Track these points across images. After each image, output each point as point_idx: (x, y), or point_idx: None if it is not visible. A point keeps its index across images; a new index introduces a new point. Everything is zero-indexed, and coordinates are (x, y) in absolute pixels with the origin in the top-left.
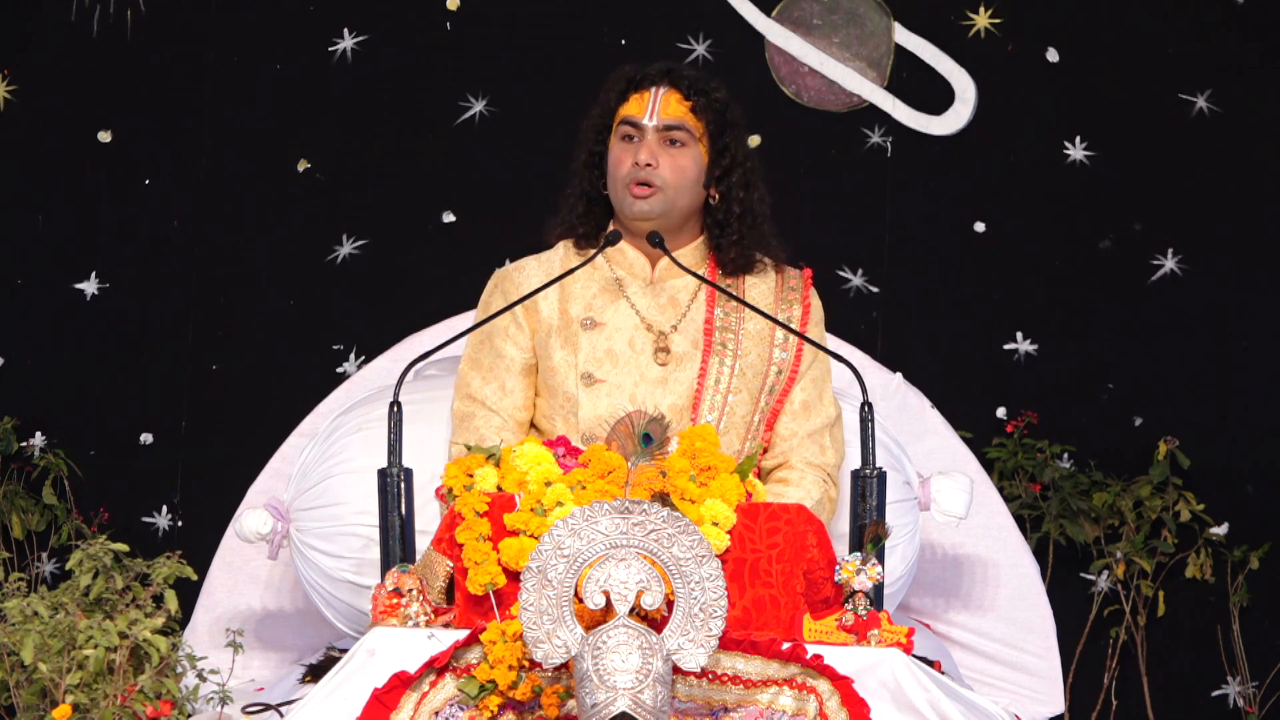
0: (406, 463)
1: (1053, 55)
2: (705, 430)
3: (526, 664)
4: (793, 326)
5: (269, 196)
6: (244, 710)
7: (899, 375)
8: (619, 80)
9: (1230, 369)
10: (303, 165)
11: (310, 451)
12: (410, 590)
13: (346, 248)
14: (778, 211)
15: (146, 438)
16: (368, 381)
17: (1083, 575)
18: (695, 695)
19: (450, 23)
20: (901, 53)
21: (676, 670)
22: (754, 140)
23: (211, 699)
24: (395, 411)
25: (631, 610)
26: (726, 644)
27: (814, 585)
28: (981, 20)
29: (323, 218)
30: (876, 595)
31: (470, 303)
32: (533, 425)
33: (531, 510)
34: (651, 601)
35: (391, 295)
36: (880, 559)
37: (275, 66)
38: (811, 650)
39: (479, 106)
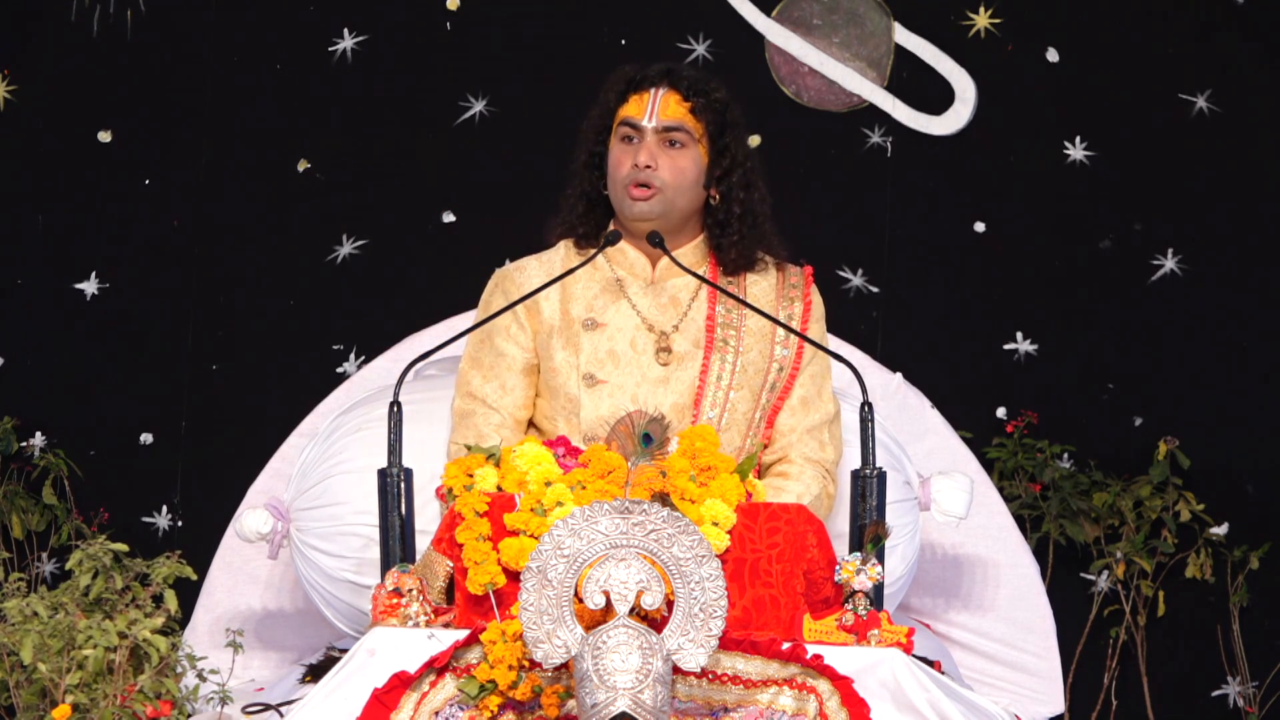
0: (406, 463)
1: (1053, 55)
2: (705, 430)
3: (526, 664)
4: (793, 325)
5: (269, 196)
6: (244, 710)
7: (899, 375)
8: (618, 81)
9: (1230, 369)
10: (303, 165)
11: (310, 451)
12: (410, 590)
13: (346, 248)
14: (778, 211)
15: (146, 438)
16: (368, 381)
17: (1083, 575)
18: (695, 695)
19: (450, 23)
20: (901, 53)
21: (676, 670)
22: (754, 140)
23: (211, 699)
24: (395, 411)
25: (631, 610)
26: (726, 644)
27: (814, 585)
28: (981, 20)
29: (323, 218)
30: (876, 595)
31: (470, 303)
32: (533, 425)
33: (531, 510)
34: (651, 601)
35: (391, 295)
36: (880, 559)
37: (275, 66)
38: (811, 650)
39: (479, 106)
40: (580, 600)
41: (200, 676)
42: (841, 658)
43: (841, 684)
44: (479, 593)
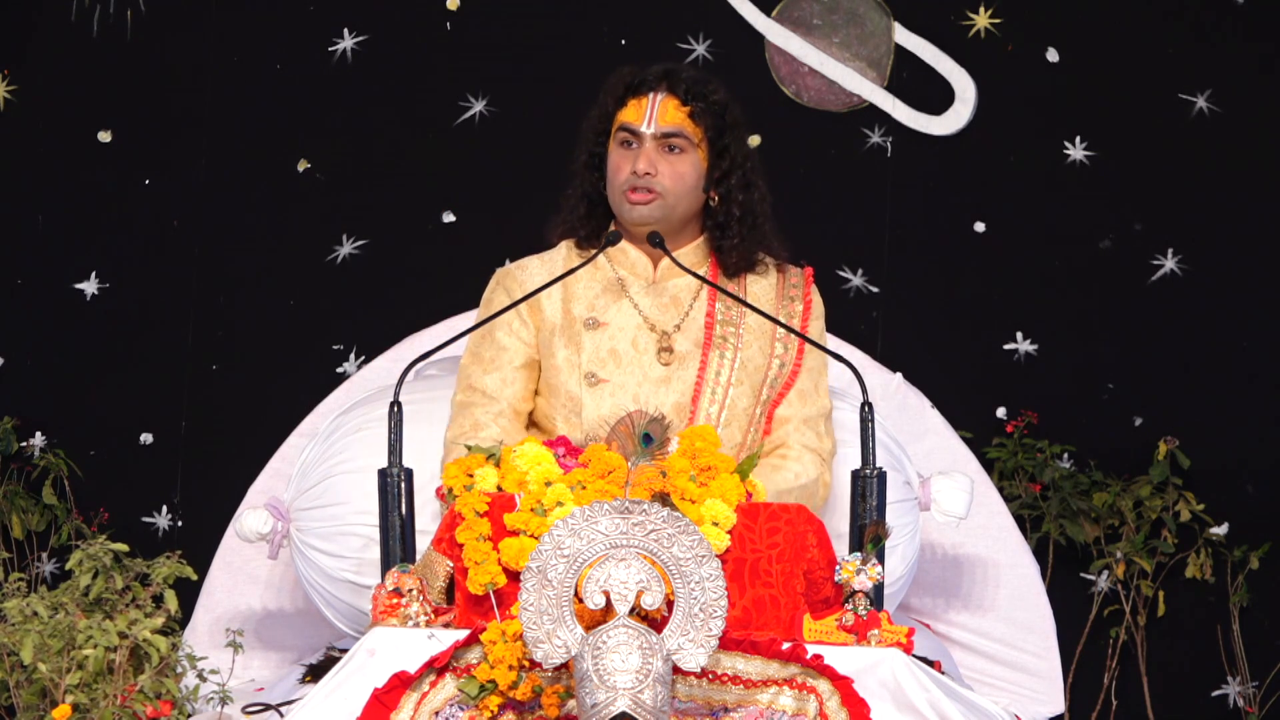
0: (406, 463)
1: (1053, 55)
2: (705, 430)
3: (526, 664)
4: (794, 325)
5: (269, 196)
6: (244, 710)
7: (899, 375)
8: (617, 85)
9: (1230, 369)
10: (303, 165)
11: (310, 451)
12: (410, 590)
13: (346, 248)
14: (778, 211)
15: (146, 438)
16: (368, 381)
17: (1083, 575)
18: (695, 695)
19: (450, 23)
20: (901, 53)
21: (676, 670)
22: (754, 140)
23: (211, 699)
24: (395, 411)
25: (631, 610)
26: (726, 644)
27: (814, 585)
28: (981, 20)
29: (323, 218)
30: (876, 595)
31: (470, 303)
32: (534, 424)
33: (531, 510)
34: (651, 601)
35: (391, 295)
36: (880, 559)
37: (275, 66)
38: (811, 650)
39: (479, 106)
40: (580, 600)
41: (200, 676)
42: (841, 658)
43: (841, 684)
44: (479, 593)
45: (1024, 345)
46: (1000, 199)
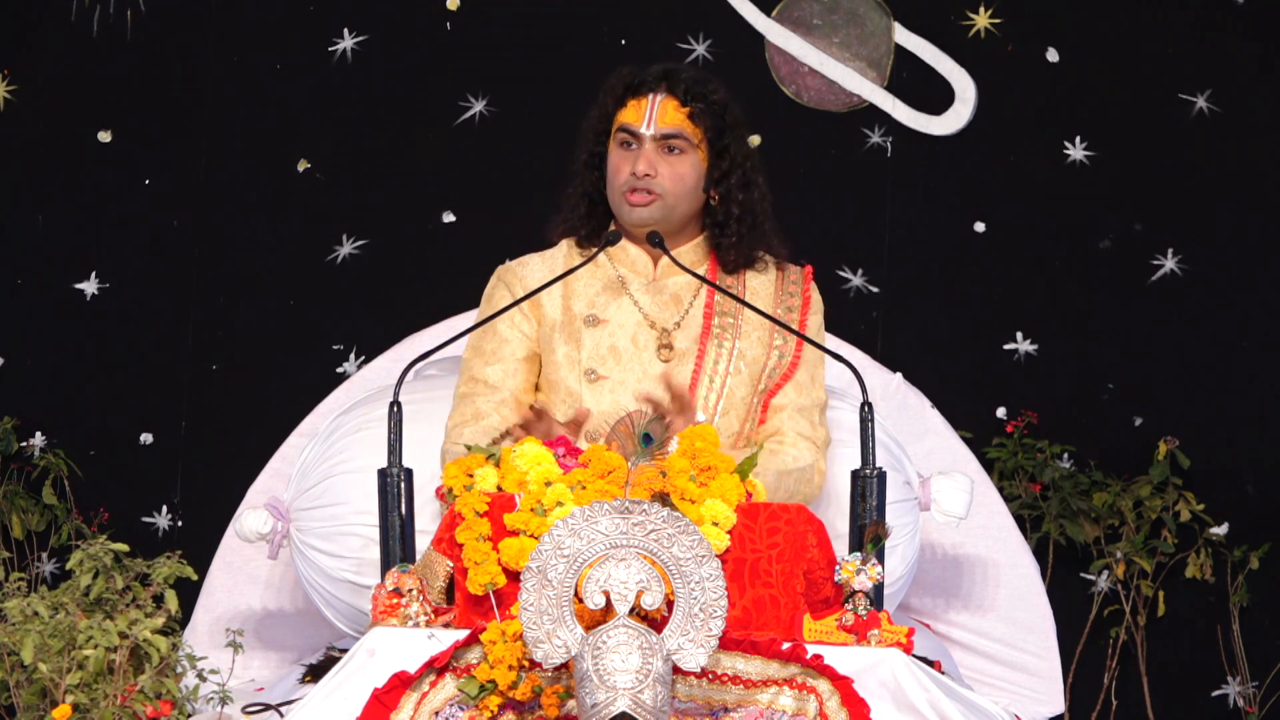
0: (406, 463)
1: (1053, 55)
2: (705, 430)
3: (526, 664)
4: (792, 321)
5: (269, 196)
6: (244, 710)
7: (899, 375)
8: (617, 85)
9: (1230, 369)
10: (303, 165)
11: (310, 451)
12: (410, 590)
13: (346, 248)
14: (778, 211)
15: (146, 438)
16: (368, 381)
17: (1083, 575)
18: (695, 695)
19: (450, 23)
20: (901, 53)
21: (676, 670)
22: (754, 140)
23: (211, 699)
24: (395, 411)
25: (631, 610)
26: (726, 644)
27: (814, 585)
28: (981, 20)
29: (323, 218)
30: (876, 595)
31: (470, 302)
32: None
33: (531, 510)
34: (651, 601)
35: (391, 295)
36: (880, 559)
37: (275, 66)
38: (811, 650)
39: (479, 106)
40: (580, 600)
41: (200, 676)
42: (841, 658)
43: (841, 684)
44: (479, 593)
45: (1024, 345)
46: (1000, 199)
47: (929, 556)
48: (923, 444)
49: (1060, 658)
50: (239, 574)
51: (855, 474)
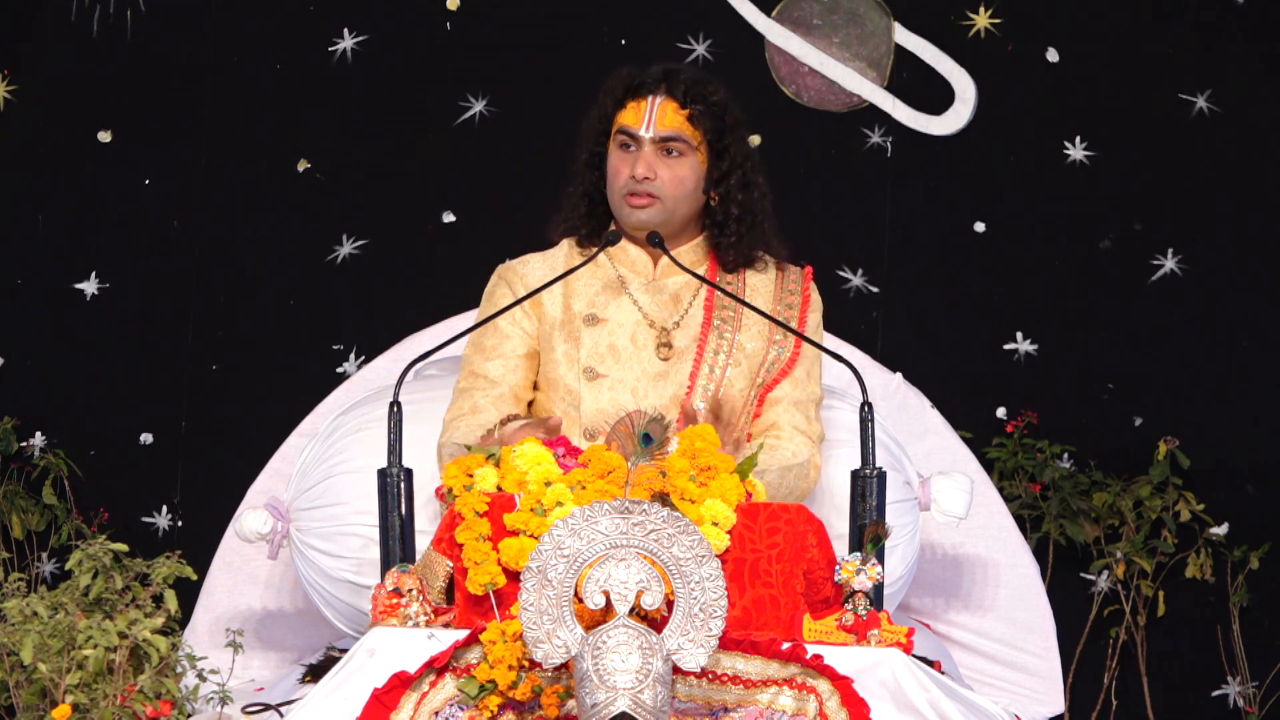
0: (406, 463)
1: (1053, 55)
2: (705, 430)
3: (526, 664)
4: (791, 320)
5: (269, 196)
6: (244, 710)
7: (899, 375)
8: (616, 86)
9: (1230, 369)
10: (303, 165)
11: (310, 451)
12: (410, 590)
13: (346, 248)
14: (777, 211)
15: (146, 438)
16: (368, 381)
17: (1083, 575)
18: (695, 695)
19: (450, 23)
20: (901, 53)
21: (676, 670)
22: (754, 140)
23: (211, 699)
24: (395, 411)
25: (631, 610)
26: (726, 644)
27: (814, 585)
28: (981, 20)
29: (323, 218)
30: (876, 595)
31: (470, 302)
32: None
33: (531, 510)
34: (651, 601)
35: (391, 295)
36: (880, 559)
37: (275, 66)
38: (811, 650)
39: (479, 106)
40: (580, 600)
41: (200, 676)
42: (841, 658)
43: (841, 684)
44: (479, 593)
45: (1024, 345)
46: (1000, 199)
47: (929, 556)
48: (923, 444)
49: (1060, 658)
50: (239, 574)
51: (855, 474)
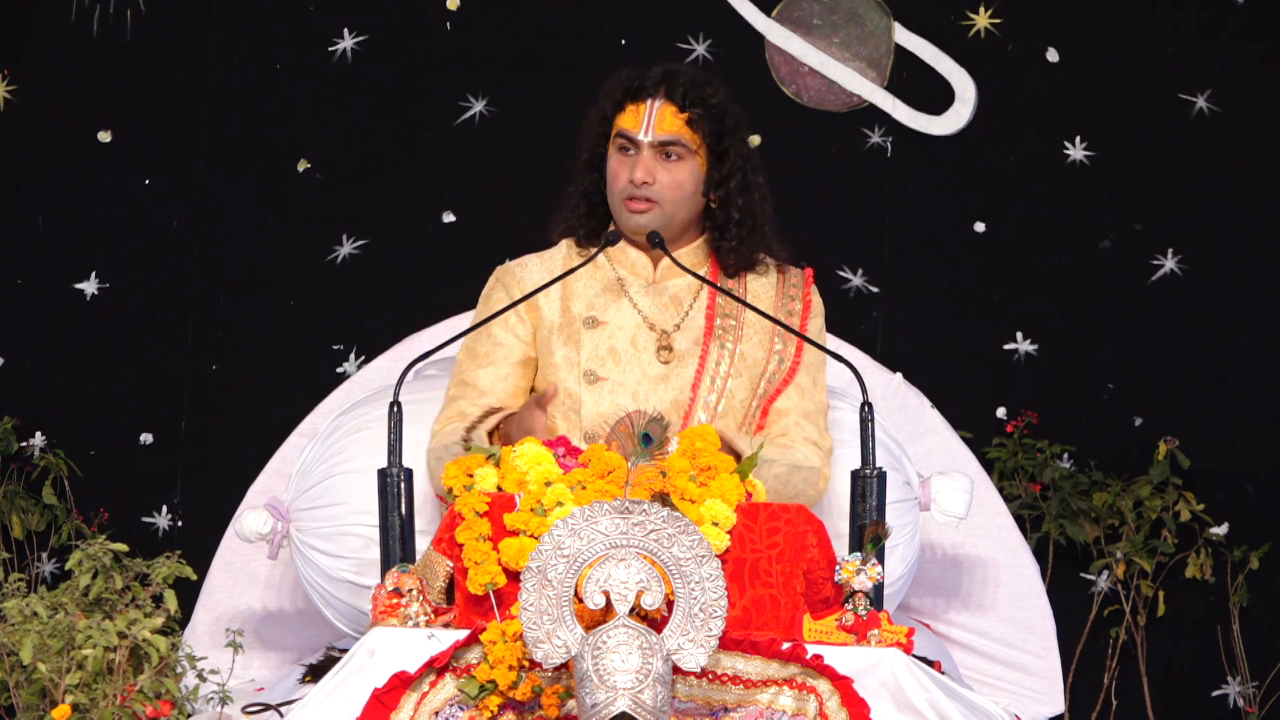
0: (406, 463)
1: (1053, 55)
2: (705, 430)
3: (526, 664)
4: (793, 325)
5: (269, 196)
6: (244, 710)
7: (899, 375)
8: (615, 89)
9: (1230, 369)
10: (303, 165)
11: (310, 451)
12: (410, 590)
13: (346, 248)
14: (777, 211)
15: (146, 438)
16: (368, 381)
17: (1083, 575)
18: (695, 695)
19: (450, 23)
20: (901, 53)
21: (676, 670)
22: (754, 140)
23: (211, 699)
24: (395, 411)
25: (631, 610)
26: (726, 644)
27: (814, 585)
28: (981, 20)
29: (323, 218)
30: (876, 595)
31: (470, 303)
32: None
33: (531, 510)
34: (651, 601)
35: (391, 295)
36: (880, 559)
37: (275, 66)
38: (811, 650)
39: (479, 106)
40: (580, 600)
41: (200, 676)
42: (841, 658)
43: (841, 684)
44: (479, 593)
45: (1024, 345)
46: (1000, 199)
47: (929, 556)
48: (923, 444)
49: (1060, 658)
50: (239, 574)
51: (855, 474)
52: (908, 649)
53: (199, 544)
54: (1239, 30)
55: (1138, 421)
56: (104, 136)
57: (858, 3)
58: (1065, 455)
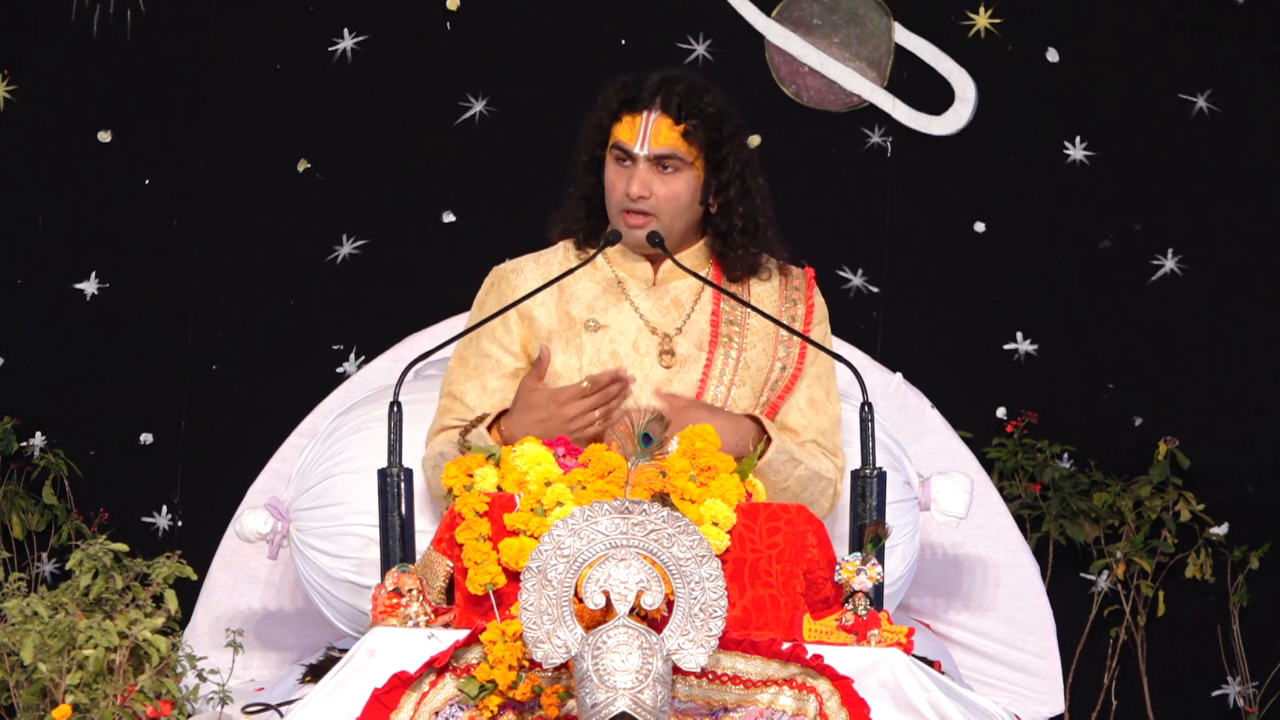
0: (406, 463)
1: (1053, 55)
2: (705, 430)
3: (526, 664)
4: (796, 328)
5: (269, 196)
6: (244, 710)
7: (899, 375)
8: (612, 98)
9: (1230, 369)
10: (303, 165)
11: (310, 451)
12: (410, 590)
13: (346, 248)
14: (778, 212)
15: (146, 438)
16: (368, 381)
17: (1083, 575)
18: (695, 695)
19: (450, 23)
20: (901, 53)
21: (676, 670)
22: (754, 140)
23: (211, 699)
24: (395, 411)
25: (631, 610)
26: (726, 644)
27: (814, 585)
28: (981, 20)
29: (323, 218)
30: (876, 595)
31: (470, 303)
32: None
33: (531, 510)
34: (651, 601)
35: (391, 295)
36: (880, 559)
37: (275, 66)
38: (811, 650)
39: (479, 106)
40: (580, 600)
41: (200, 676)
42: (841, 658)
43: (841, 684)
44: (479, 593)
45: (1024, 345)
46: (1000, 199)
47: (929, 556)
48: (923, 444)
49: (1060, 658)
50: (239, 574)
51: (855, 474)
52: (908, 649)
53: (199, 544)
54: (1239, 30)
55: (1138, 421)
56: (104, 136)
57: (858, 3)
58: (1065, 455)
